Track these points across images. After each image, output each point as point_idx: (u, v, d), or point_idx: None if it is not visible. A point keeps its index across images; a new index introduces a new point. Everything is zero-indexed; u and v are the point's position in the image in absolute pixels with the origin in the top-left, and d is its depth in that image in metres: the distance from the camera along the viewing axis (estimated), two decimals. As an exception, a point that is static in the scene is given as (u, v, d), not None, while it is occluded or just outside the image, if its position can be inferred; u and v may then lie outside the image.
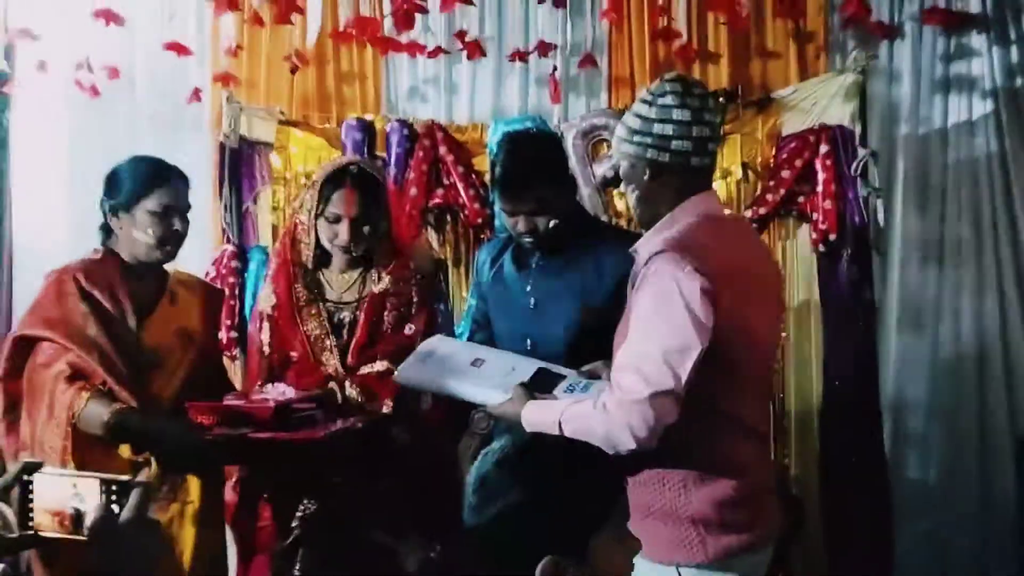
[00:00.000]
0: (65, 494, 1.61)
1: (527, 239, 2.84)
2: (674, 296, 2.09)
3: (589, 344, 2.76)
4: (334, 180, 2.90)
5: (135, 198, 2.75)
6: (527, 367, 2.58)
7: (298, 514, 2.88)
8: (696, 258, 2.12)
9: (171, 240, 2.78)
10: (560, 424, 2.21)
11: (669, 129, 2.23)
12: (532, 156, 2.77)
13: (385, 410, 2.85)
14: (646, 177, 2.27)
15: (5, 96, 4.49)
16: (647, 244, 2.26)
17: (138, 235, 2.76)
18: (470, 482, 1.61)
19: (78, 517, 1.58)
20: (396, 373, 2.69)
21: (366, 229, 2.90)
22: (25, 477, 1.65)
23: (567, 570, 1.53)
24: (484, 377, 2.61)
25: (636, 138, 2.26)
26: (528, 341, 2.87)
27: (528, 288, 2.89)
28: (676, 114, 2.23)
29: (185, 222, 2.81)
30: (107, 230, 2.83)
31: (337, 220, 2.88)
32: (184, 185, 2.84)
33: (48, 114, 4.37)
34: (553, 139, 2.91)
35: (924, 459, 4.08)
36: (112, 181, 2.80)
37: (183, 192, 2.82)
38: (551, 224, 2.78)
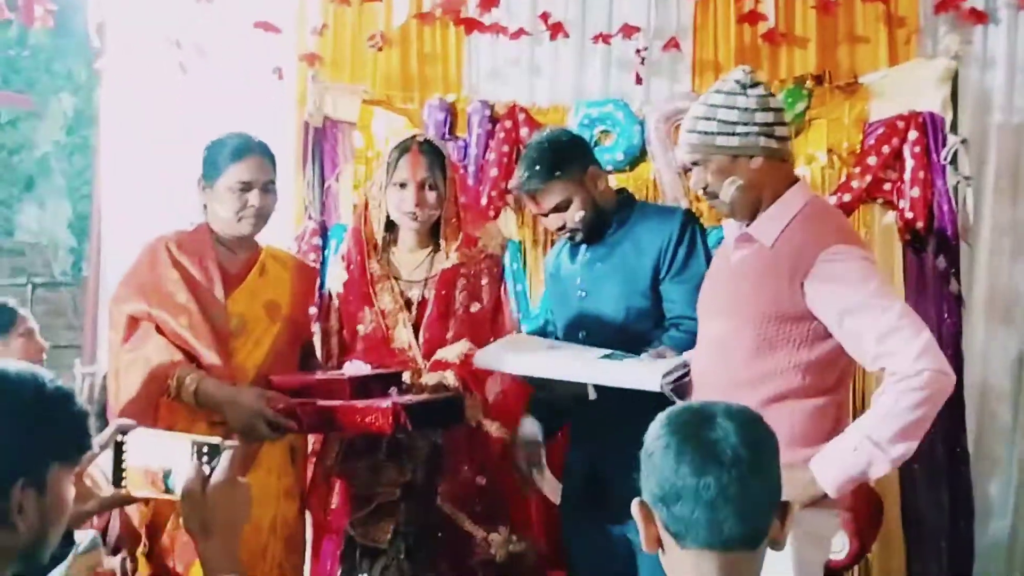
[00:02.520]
0: (157, 455, 1.65)
1: (563, 235, 2.90)
2: (876, 273, 2.30)
3: (638, 327, 2.80)
4: (401, 148, 2.97)
5: (216, 174, 2.82)
6: (595, 353, 2.71)
7: (377, 484, 2.93)
8: (860, 241, 2.40)
9: (248, 215, 2.83)
10: (873, 444, 2.16)
11: (770, 117, 2.33)
12: (539, 158, 2.85)
13: (452, 380, 2.88)
14: (755, 166, 2.33)
15: (95, 73, 4.60)
16: (773, 224, 2.34)
17: (219, 209, 2.83)
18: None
19: (169, 477, 1.62)
20: (476, 357, 2.77)
21: (432, 195, 2.94)
22: (119, 437, 1.70)
23: None
24: (562, 359, 2.70)
25: (740, 128, 2.32)
26: (581, 333, 2.92)
27: (578, 280, 2.95)
28: (772, 102, 2.36)
29: (267, 196, 2.85)
30: (203, 205, 2.91)
31: (404, 186, 2.93)
32: (267, 159, 2.87)
33: (137, 90, 4.45)
34: (559, 137, 2.97)
35: (1009, 454, 3.99)
36: (204, 157, 2.88)
37: (264, 166, 2.86)
38: (578, 217, 2.85)
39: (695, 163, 2.41)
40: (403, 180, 2.93)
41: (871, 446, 2.15)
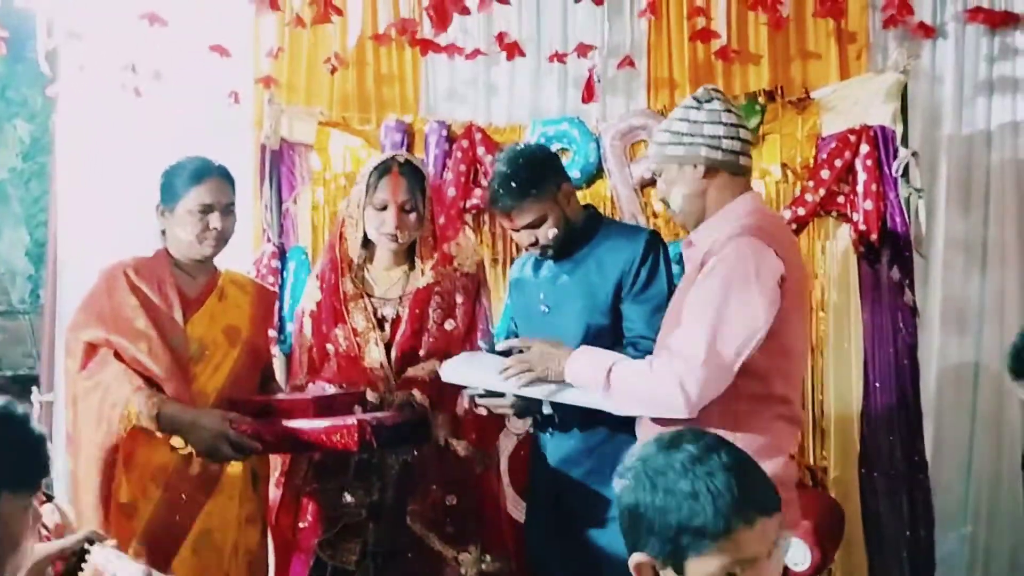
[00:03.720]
0: (113, 569, 1.65)
1: (534, 250, 2.91)
2: (751, 278, 2.24)
3: (597, 345, 2.82)
4: (381, 169, 2.98)
5: (176, 197, 2.82)
6: None
7: (345, 504, 2.91)
8: (775, 243, 2.28)
9: (209, 237, 2.83)
10: (608, 376, 2.30)
11: (720, 130, 2.42)
12: (513, 175, 2.84)
13: (420, 398, 2.88)
14: (698, 175, 2.42)
15: (50, 99, 4.57)
16: (712, 232, 2.38)
17: (179, 233, 2.83)
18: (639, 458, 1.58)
19: None
20: (441, 371, 2.77)
21: (412, 217, 2.96)
22: (86, 545, 1.69)
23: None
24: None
25: (686, 139, 2.43)
26: None
27: (542, 295, 2.96)
28: (725, 117, 2.44)
29: (227, 218, 2.86)
30: (162, 231, 2.90)
31: (384, 207, 2.94)
32: (226, 182, 2.89)
33: (92, 116, 4.42)
34: (535, 154, 2.96)
35: (967, 462, 4.02)
36: (162, 182, 2.88)
37: (224, 189, 2.88)
38: (550, 234, 2.86)
39: (655, 174, 2.53)
40: (383, 202, 2.94)
41: (604, 388, 2.33)
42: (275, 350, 3.89)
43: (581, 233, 2.93)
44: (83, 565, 1.68)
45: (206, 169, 2.86)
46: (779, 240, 2.31)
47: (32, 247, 7.29)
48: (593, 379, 2.39)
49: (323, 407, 2.76)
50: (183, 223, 2.82)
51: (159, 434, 2.70)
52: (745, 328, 2.23)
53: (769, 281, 2.24)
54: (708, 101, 2.43)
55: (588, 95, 4.01)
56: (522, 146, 3.07)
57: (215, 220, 2.83)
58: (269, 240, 4.08)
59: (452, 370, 2.78)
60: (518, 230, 2.90)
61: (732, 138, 2.41)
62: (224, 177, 2.89)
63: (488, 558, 2.95)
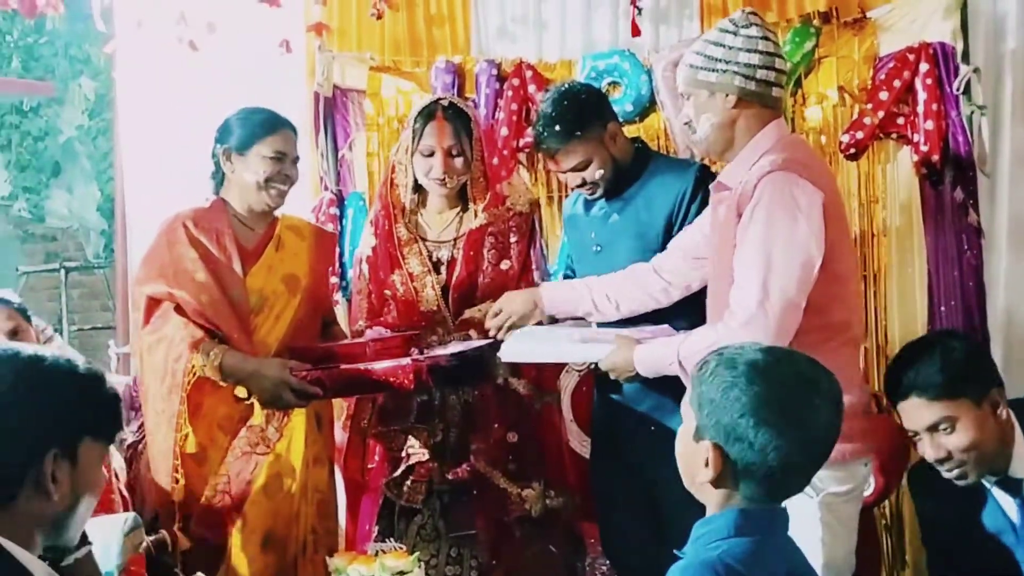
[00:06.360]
0: None
1: (584, 191, 2.90)
2: (796, 212, 2.21)
3: None
4: (426, 115, 2.98)
5: (250, 142, 2.87)
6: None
7: (409, 449, 2.98)
8: (809, 173, 2.24)
9: (280, 183, 2.88)
10: (680, 358, 2.28)
11: (755, 59, 2.35)
12: (558, 116, 2.81)
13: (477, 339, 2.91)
14: (729, 105, 2.36)
15: (110, 56, 4.64)
16: (742, 171, 2.33)
17: (249, 176, 2.87)
18: None
19: None
20: (501, 354, 2.76)
21: (459, 161, 2.96)
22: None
23: None
24: (582, 339, 2.74)
25: (720, 66, 2.35)
26: None
27: (593, 234, 2.96)
28: (761, 45, 2.36)
29: (295, 170, 2.92)
30: (219, 180, 2.94)
31: (431, 153, 2.95)
32: (294, 135, 2.97)
33: (150, 72, 4.48)
34: (579, 94, 2.91)
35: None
36: (226, 128, 2.94)
37: (294, 142, 2.96)
38: (597, 175, 2.84)
39: (684, 95, 2.47)
40: (430, 148, 2.95)
41: (680, 369, 2.29)
42: (338, 296, 3.97)
43: (630, 171, 2.91)
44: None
45: (279, 120, 2.94)
46: (812, 169, 2.28)
47: (103, 203, 7.48)
48: (666, 367, 2.37)
49: (381, 351, 2.81)
50: (254, 166, 2.87)
51: (223, 383, 2.77)
52: (800, 263, 2.21)
53: (813, 212, 2.22)
54: (746, 27, 2.35)
55: (634, 30, 3.95)
56: (567, 85, 3.02)
57: (288, 168, 2.89)
58: (327, 188, 4.13)
59: (511, 351, 2.74)
60: (564, 172, 2.89)
61: (767, 68, 2.34)
62: (293, 131, 2.98)
63: (552, 493, 3.00)
